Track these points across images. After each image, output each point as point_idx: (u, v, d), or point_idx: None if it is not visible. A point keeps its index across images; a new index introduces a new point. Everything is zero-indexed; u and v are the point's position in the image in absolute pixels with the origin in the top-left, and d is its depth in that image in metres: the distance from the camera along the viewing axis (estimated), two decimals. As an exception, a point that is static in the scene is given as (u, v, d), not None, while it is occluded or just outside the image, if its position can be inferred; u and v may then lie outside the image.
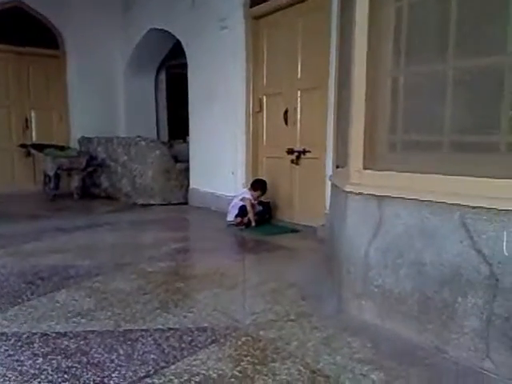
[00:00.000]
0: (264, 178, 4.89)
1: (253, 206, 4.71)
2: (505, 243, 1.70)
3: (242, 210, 4.67)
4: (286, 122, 4.79)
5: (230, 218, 4.73)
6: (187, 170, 6.29)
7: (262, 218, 4.77)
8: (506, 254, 1.70)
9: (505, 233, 1.70)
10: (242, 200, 4.70)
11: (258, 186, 4.75)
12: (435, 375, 1.79)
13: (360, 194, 2.27)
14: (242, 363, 1.89)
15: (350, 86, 2.37)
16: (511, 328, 1.71)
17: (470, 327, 1.84)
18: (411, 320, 2.06)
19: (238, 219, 4.66)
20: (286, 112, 4.79)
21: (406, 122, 2.17)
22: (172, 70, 8.16)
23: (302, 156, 4.64)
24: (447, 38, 1.95)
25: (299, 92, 4.61)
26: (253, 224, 4.63)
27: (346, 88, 2.54)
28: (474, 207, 1.79)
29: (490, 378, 1.75)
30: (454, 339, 1.90)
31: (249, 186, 4.83)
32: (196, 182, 6.13)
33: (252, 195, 4.71)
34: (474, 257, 1.80)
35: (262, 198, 4.82)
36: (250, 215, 4.66)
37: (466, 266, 1.82)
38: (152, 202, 6.12)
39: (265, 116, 5.15)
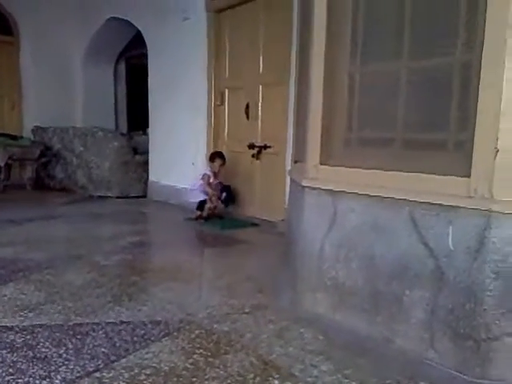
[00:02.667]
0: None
1: (211, 185, 4.58)
2: (450, 238, 1.78)
3: (201, 203, 4.64)
4: (248, 117, 4.81)
5: (190, 198, 4.74)
6: (146, 162, 6.20)
7: (229, 203, 4.71)
8: (452, 248, 1.78)
9: (450, 228, 1.78)
10: (202, 178, 4.59)
11: (215, 155, 4.67)
12: (382, 364, 1.86)
13: (316, 188, 2.31)
14: (194, 356, 1.89)
15: (307, 82, 2.40)
16: (454, 319, 1.79)
17: (416, 318, 1.91)
18: (362, 312, 2.12)
19: (197, 213, 4.64)
20: (247, 106, 4.80)
21: (361, 119, 2.22)
22: (132, 61, 8.01)
23: (263, 151, 4.67)
24: (401, 38, 2.01)
25: (261, 87, 4.64)
26: (215, 211, 4.62)
27: (305, 85, 2.57)
28: (421, 203, 1.86)
29: (432, 367, 1.84)
30: (401, 330, 1.97)
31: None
32: (155, 175, 6.06)
33: (211, 170, 4.62)
34: (422, 251, 1.87)
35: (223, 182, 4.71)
36: (212, 200, 4.57)
37: (414, 260, 1.90)
38: (109, 194, 6.00)
39: (226, 110, 5.14)
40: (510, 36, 1.60)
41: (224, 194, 4.63)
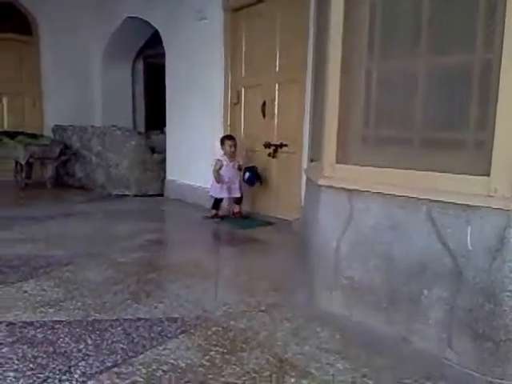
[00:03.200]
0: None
1: (222, 176, 4.45)
2: (469, 237, 1.76)
3: (216, 202, 4.63)
4: (264, 115, 4.81)
5: (213, 193, 4.59)
6: (164, 161, 6.24)
7: (253, 182, 4.54)
8: (470, 248, 1.76)
9: (469, 227, 1.76)
10: (215, 165, 4.48)
11: (223, 138, 4.60)
12: (399, 364, 1.85)
13: (332, 187, 2.31)
14: (210, 353, 1.91)
15: (324, 80, 2.39)
16: (473, 319, 1.77)
17: (434, 318, 1.90)
18: (379, 311, 2.11)
19: (213, 212, 4.63)
20: (263, 104, 4.80)
21: (378, 117, 2.21)
22: (149, 60, 8.08)
23: (279, 150, 4.66)
24: (419, 35, 1.99)
25: (277, 85, 4.63)
26: (237, 195, 4.55)
27: (321, 82, 2.56)
28: (440, 202, 1.84)
29: (451, 367, 1.81)
30: (419, 330, 1.96)
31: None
32: (173, 174, 6.10)
33: (225, 154, 4.52)
34: (440, 250, 1.85)
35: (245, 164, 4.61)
36: (231, 188, 4.49)
37: (432, 259, 1.88)
38: (127, 192, 6.06)
39: (243, 108, 5.14)
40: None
41: (248, 174, 4.45)
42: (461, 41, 1.87)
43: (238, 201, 4.69)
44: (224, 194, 4.57)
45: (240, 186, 4.59)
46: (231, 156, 4.56)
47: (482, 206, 1.71)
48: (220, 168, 4.51)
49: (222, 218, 4.62)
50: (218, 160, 4.54)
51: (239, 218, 4.63)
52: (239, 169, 4.56)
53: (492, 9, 1.74)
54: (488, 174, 1.71)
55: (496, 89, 1.68)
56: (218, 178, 4.49)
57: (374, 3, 2.18)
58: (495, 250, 1.68)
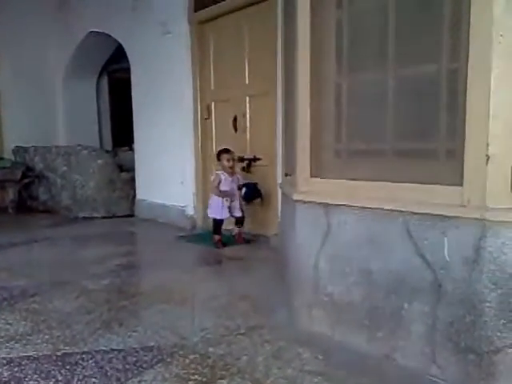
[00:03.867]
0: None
1: (222, 190, 4.18)
2: (446, 249, 1.81)
3: (217, 224, 4.28)
4: (236, 129, 4.84)
5: (212, 214, 4.29)
6: (133, 179, 6.19)
7: (251, 198, 4.31)
8: (448, 259, 1.81)
9: (445, 238, 1.81)
10: (213, 181, 4.24)
11: (220, 152, 4.30)
12: (384, 383, 1.87)
13: (307, 202, 2.34)
14: (189, 382, 1.89)
15: (294, 93, 2.44)
16: (455, 332, 1.81)
17: (416, 333, 1.93)
18: (361, 328, 2.13)
19: (216, 237, 4.28)
20: (235, 119, 4.83)
21: (350, 130, 2.25)
22: (115, 75, 8.04)
23: (253, 163, 4.68)
24: (386, 46, 2.05)
25: (248, 98, 4.67)
26: (238, 214, 4.28)
27: (291, 95, 2.61)
28: (415, 213, 1.88)
29: (436, 383, 1.84)
30: (402, 346, 1.98)
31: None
32: (143, 193, 6.06)
33: (223, 168, 4.24)
34: (418, 263, 1.89)
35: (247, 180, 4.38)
36: (230, 203, 4.21)
37: (411, 272, 1.92)
38: (95, 214, 5.98)
39: (214, 123, 5.17)
40: (496, 36, 1.64)
41: (244, 189, 4.23)
42: (427, 51, 1.93)
43: (240, 221, 4.38)
44: (225, 214, 4.25)
45: (241, 204, 4.32)
46: (230, 171, 4.27)
47: (457, 217, 1.76)
48: (219, 183, 4.21)
49: (225, 244, 4.28)
50: (216, 174, 4.26)
51: (241, 243, 4.33)
52: (239, 188, 4.26)
53: (457, 18, 1.81)
54: (461, 184, 1.76)
55: (463, 98, 1.75)
56: (220, 193, 4.19)
57: (340, 17, 2.24)
58: (472, 260, 1.73)
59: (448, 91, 1.87)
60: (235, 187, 4.27)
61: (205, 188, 5.24)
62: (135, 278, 3.48)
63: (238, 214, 4.33)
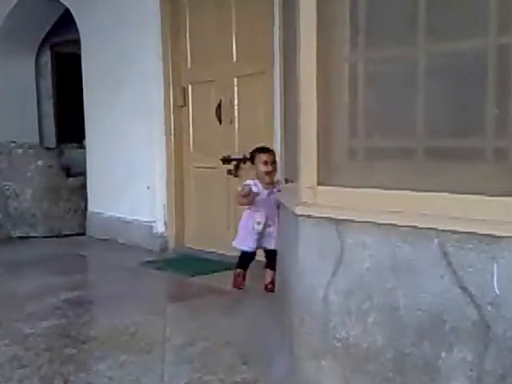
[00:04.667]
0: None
1: (256, 204, 3.82)
2: (495, 278, 1.82)
3: (245, 258, 3.94)
4: (220, 120, 4.86)
5: (237, 242, 3.95)
6: (84, 186, 6.19)
7: None
8: (497, 292, 1.82)
9: (495, 265, 1.82)
10: (241, 190, 3.88)
11: (255, 151, 3.92)
12: None
13: (314, 217, 2.35)
14: None
15: (296, 74, 2.45)
16: (508, 388, 1.82)
17: (457, 390, 1.94)
18: (384, 382, 2.13)
19: (236, 272, 3.94)
20: (219, 106, 4.85)
21: (368, 123, 2.27)
22: (60, 49, 8.02)
23: (243, 165, 4.70)
24: (417, 14, 2.07)
25: (236, 79, 4.71)
26: (271, 247, 3.80)
27: (293, 77, 2.63)
28: (455, 232, 1.89)
29: None
30: (438, 406, 1.99)
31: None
32: (97, 204, 6.05)
33: (258, 176, 3.86)
34: (459, 297, 1.90)
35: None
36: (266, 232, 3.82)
37: (450, 310, 1.92)
38: (34, 233, 5.97)
39: (191, 111, 5.20)
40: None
41: None
42: (470, 21, 1.96)
43: (273, 259, 3.63)
44: (251, 244, 3.87)
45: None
46: (267, 181, 3.84)
47: (510, 237, 1.78)
48: (248, 195, 3.81)
49: (240, 287, 3.93)
50: (246, 184, 3.86)
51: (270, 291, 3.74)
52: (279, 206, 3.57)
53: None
54: (515, 194, 1.79)
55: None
56: (247, 200, 3.82)
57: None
58: (530, 293, 1.74)
59: (497, 73, 1.89)
60: (273, 205, 3.77)
61: (180, 197, 5.26)
62: (86, 318, 3.46)
63: (271, 245, 3.83)
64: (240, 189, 3.98)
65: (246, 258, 3.94)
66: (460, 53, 1.99)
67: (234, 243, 3.97)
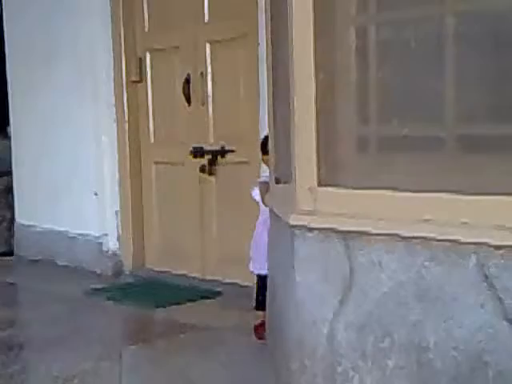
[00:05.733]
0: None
1: None
2: (552, 306, 1.84)
3: (263, 293, 3.68)
4: (189, 100, 4.84)
5: (254, 265, 3.85)
6: (10, 189, 6.17)
7: None
8: (555, 324, 1.84)
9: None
10: (258, 189, 3.80)
11: (267, 140, 3.77)
12: None
13: (314, 229, 2.35)
14: None
15: (288, 40, 2.45)
16: None
17: None
18: None
19: (258, 314, 3.76)
20: (187, 81, 4.83)
21: (383, 104, 2.28)
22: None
23: (220, 159, 4.69)
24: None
25: (208, 46, 4.70)
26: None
27: (284, 43, 2.62)
28: (499, 247, 1.91)
29: None
30: None
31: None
32: (28, 214, 6.03)
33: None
34: (505, 331, 1.92)
35: None
36: None
37: (493, 349, 1.94)
38: None
39: (150, 89, 5.18)
40: None
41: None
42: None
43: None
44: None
45: None
46: None
47: None
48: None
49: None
50: (261, 182, 3.82)
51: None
52: None
53: None
54: None
55: None
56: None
57: None
58: None
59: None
60: None
61: (137, 203, 5.24)
62: (16, 367, 3.44)
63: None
64: (254, 190, 3.84)
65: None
66: (499, 14, 2.01)
67: (251, 267, 3.84)
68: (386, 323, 2.18)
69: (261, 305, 3.67)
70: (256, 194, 3.79)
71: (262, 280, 3.69)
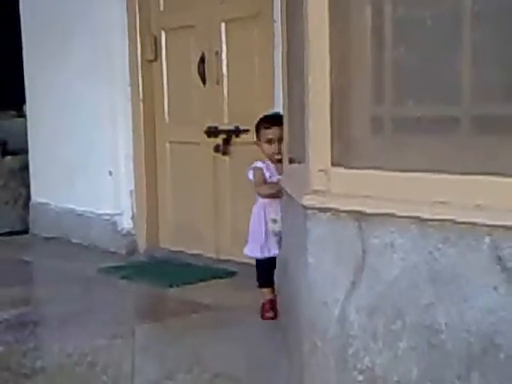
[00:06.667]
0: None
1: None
2: None
3: (262, 270, 3.87)
4: (204, 79, 4.83)
5: (248, 249, 3.96)
6: (26, 168, 6.19)
7: None
8: None
9: None
10: (255, 177, 3.89)
11: (261, 123, 3.91)
12: None
13: (327, 209, 2.34)
14: None
15: (303, 17, 2.44)
16: None
17: None
18: (421, 428, 2.15)
19: (263, 292, 3.86)
20: (202, 60, 4.82)
21: (398, 83, 2.26)
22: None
23: (235, 139, 4.69)
24: None
25: (224, 25, 4.69)
26: (274, 252, 3.81)
27: (299, 20, 2.61)
28: (513, 229, 1.90)
29: None
30: None
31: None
32: (43, 192, 6.06)
33: (266, 156, 3.90)
34: (518, 314, 1.91)
35: None
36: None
37: (505, 331, 1.93)
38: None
39: (165, 68, 5.18)
40: None
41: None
42: None
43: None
44: (272, 249, 3.83)
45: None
46: (276, 161, 3.86)
47: None
48: (264, 182, 3.86)
49: (273, 318, 3.74)
50: (256, 168, 3.90)
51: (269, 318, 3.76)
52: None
53: None
54: None
55: None
56: (274, 189, 3.76)
57: None
58: None
59: None
60: None
61: (152, 183, 5.25)
62: (30, 344, 3.47)
63: (275, 250, 3.84)
64: (250, 173, 3.92)
65: (264, 270, 3.82)
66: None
67: (245, 250, 3.94)
68: (398, 305, 2.17)
69: (260, 283, 3.83)
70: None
71: (256, 262, 3.85)
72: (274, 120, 3.80)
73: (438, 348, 2.09)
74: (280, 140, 3.70)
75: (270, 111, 4.00)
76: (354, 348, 2.30)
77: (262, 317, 3.73)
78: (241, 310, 3.81)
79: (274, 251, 3.79)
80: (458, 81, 2.11)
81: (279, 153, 3.74)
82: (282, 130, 3.63)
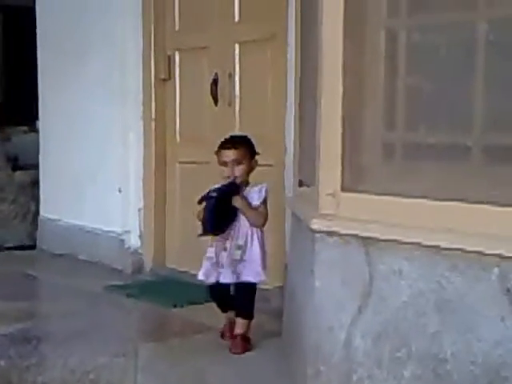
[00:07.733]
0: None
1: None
2: None
3: (215, 293, 3.75)
4: (216, 100, 4.84)
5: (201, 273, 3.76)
6: (36, 183, 6.20)
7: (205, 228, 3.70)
8: None
9: None
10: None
11: (220, 146, 3.74)
12: None
13: (336, 234, 2.34)
14: None
15: (317, 42, 2.44)
16: None
17: None
18: None
19: (225, 316, 3.75)
20: (214, 81, 4.84)
21: (411, 111, 2.26)
22: (7, 3, 8.08)
23: (245, 161, 4.69)
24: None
25: (237, 46, 4.69)
26: (226, 280, 3.63)
27: (313, 45, 2.62)
28: (523, 260, 1.88)
29: None
30: None
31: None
32: (52, 208, 6.06)
33: (222, 179, 3.69)
34: (527, 346, 1.89)
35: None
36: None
37: (513, 364, 1.91)
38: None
39: (178, 88, 5.18)
40: None
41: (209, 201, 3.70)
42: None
43: (238, 299, 3.72)
44: (211, 275, 3.73)
45: (262, 256, 3.71)
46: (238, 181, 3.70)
47: None
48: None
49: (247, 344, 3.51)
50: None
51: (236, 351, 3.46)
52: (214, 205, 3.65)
53: None
54: None
55: None
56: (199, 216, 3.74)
57: None
58: None
59: None
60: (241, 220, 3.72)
61: (161, 202, 5.25)
62: (33, 359, 3.44)
63: (227, 278, 3.67)
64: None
65: (221, 293, 3.72)
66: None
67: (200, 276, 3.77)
68: (404, 332, 2.17)
69: (222, 309, 3.77)
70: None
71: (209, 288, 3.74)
72: (230, 143, 3.72)
73: (443, 378, 2.07)
74: (235, 161, 3.62)
75: (233, 133, 3.99)
76: (358, 375, 2.29)
77: (224, 333, 3.66)
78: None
79: (211, 277, 3.70)
80: (469, 110, 2.12)
81: (233, 174, 3.62)
82: (239, 153, 3.62)
